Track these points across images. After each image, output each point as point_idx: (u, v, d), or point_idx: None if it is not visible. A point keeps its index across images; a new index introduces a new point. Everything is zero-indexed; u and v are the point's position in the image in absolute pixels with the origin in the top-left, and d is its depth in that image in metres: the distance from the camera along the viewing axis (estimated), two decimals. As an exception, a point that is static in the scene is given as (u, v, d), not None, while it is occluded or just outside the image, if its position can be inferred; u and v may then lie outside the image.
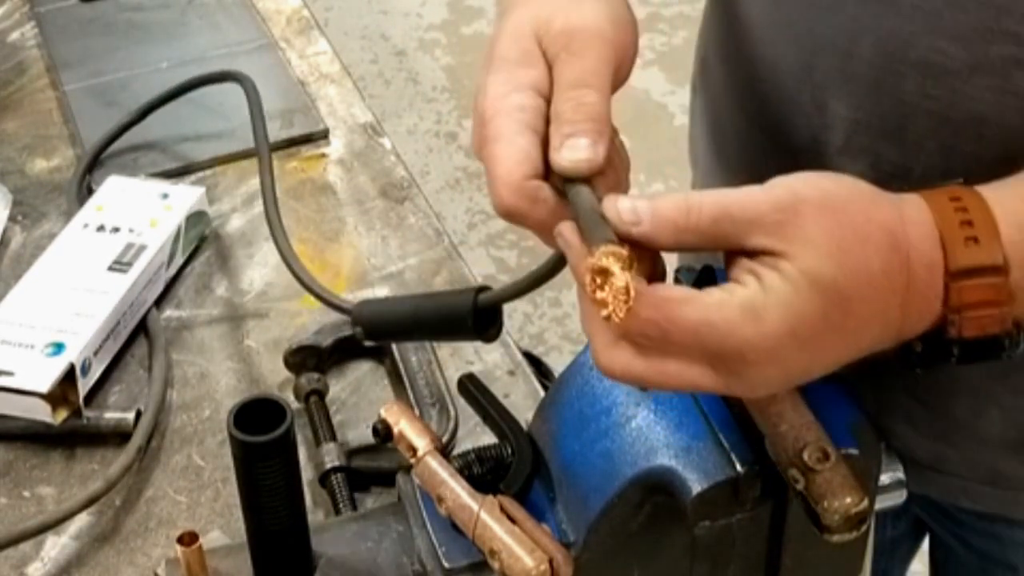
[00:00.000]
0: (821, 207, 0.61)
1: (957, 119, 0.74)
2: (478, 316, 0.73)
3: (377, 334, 0.83)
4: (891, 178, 0.77)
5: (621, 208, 0.62)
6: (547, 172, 0.67)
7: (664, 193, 0.62)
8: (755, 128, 0.87)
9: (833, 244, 0.60)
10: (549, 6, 0.71)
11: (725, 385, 0.61)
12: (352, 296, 1.06)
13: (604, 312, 0.59)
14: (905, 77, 0.74)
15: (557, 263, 0.69)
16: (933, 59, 0.73)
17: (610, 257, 0.59)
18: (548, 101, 0.68)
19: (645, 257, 0.63)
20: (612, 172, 0.68)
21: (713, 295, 0.60)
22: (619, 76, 0.71)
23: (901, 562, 1.12)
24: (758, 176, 0.88)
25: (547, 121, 0.68)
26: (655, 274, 0.65)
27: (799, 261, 0.60)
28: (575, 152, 0.66)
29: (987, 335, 0.63)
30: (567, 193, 0.66)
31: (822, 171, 0.64)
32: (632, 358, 0.61)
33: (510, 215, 0.68)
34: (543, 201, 0.67)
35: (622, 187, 0.70)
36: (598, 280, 0.59)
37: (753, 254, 0.61)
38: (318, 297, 0.93)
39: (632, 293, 0.59)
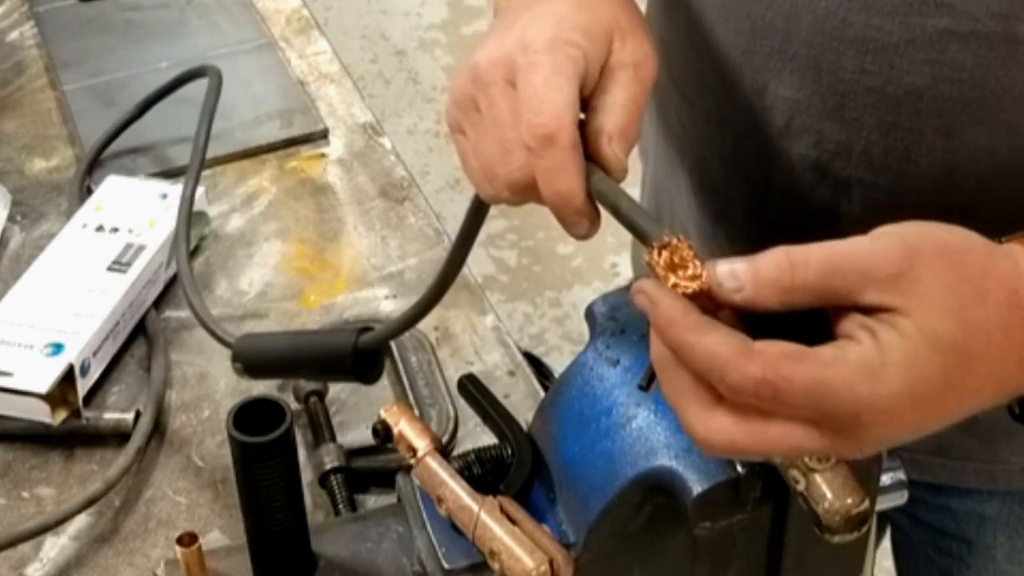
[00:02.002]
0: (937, 259, 0.58)
1: (895, 94, 0.74)
2: (358, 358, 0.73)
3: (256, 371, 0.83)
4: (833, 156, 0.78)
5: (720, 273, 0.58)
6: None
7: (763, 253, 0.59)
8: (697, 114, 0.88)
9: (952, 299, 0.57)
10: (623, 15, 0.71)
11: (831, 446, 0.58)
12: (352, 296, 1.06)
13: (681, 290, 0.58)
14: (843, 55, 0.75)
15: (433, 298, 0.71)
16: (870, 35, 0.73)
17: (685, 249, 0.59)
18: (586, 79, 0.68)
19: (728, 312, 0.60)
20: None
21: (826, 352, 0.57)
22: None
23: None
24: (703, 163, 0.89)
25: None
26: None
27: (918, 318, 0.56)
28: (624, 155, 0.66)
29: None
30: (591, 179, 0.66)
31: (929, 221, 0.61)
32: (732, 426, 0.58)
33: (545, 141, 0.64)
34: (576, 152, 0.65)
35: None
36: (671, 267, 0.59)
37: (866, 310, 0.58)
38: (204, 327, 0.94)
39: (702, 275, 0.58)
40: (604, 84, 0.69)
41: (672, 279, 0.59)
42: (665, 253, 0.59)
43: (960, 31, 0.71)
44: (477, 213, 0.74)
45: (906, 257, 0.57)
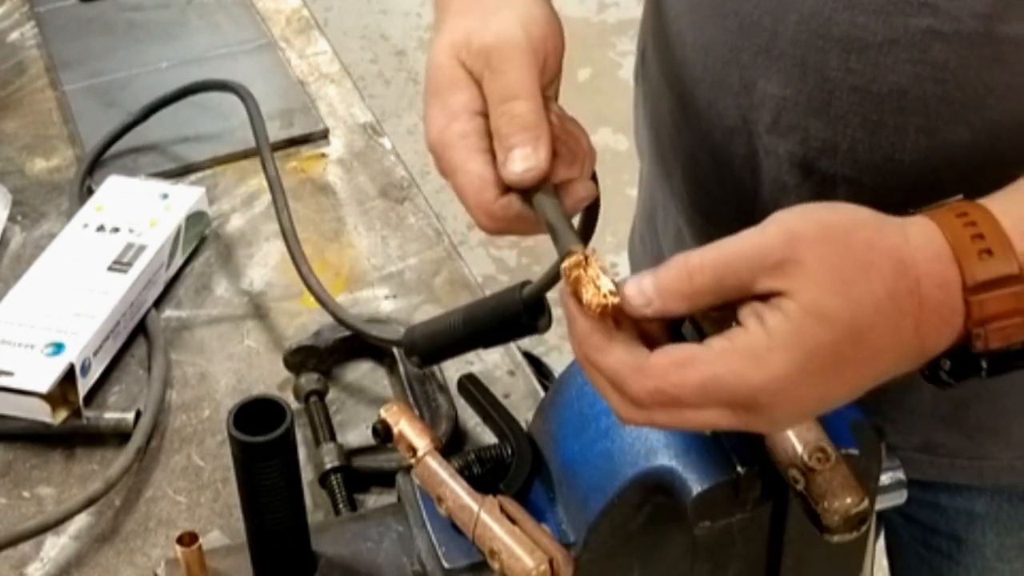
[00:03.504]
0: (819, 240, 0.61)
1: (879, 93, 0.75)
2: (529, 311, 0.74)
3: (434, 357, 0.84)
4: (819, 154, 0.79)
5: (629, 294, 0.63)
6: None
7: (665, 263, 0.63)
8: (688, 112, 0.88)
9: (835, 276, 0.60)
10: (463, 27, 0.74)
11: (745, 423, 0.61)
12: (352, 296, 1.06)
13: (589, 312, 0.62)
14: (828, 53, 0.76)
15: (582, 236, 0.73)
16: (854, 34, 0.74)
17: (575, 269, 0.63)
18: (487, 116, 0.72)
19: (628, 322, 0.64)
20: (568, 158, 0.72)
21: (715, 346, 0.61)
22: (548, 71, 0.75)
23: None
24: (694, 160, 0.90)
25: (491, 136, 0.72)
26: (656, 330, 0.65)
27: (801, 297, 0.60)
28: (519, 163, 0.70)
29: (1013, 344, 0.62)
30: (531, 201, 0.70)
31: (824, 202, 0.64)
32: (651, 412, 0.62)
33: (496, 234, 0.73)
34: (517, 215, 0.71)
35: (579, 164, 0.73)
36: (576, 289, 0.63)
37: (761, 296, 0.61)
38: (360, 333, 0.95)
39: (602, 286, 0.62)
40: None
41: (584, 295, 0.63)
42: (578, 270, 0.63)
43: (943, 31, 0.72)
44: None
45: (787, 244, 0.61)
